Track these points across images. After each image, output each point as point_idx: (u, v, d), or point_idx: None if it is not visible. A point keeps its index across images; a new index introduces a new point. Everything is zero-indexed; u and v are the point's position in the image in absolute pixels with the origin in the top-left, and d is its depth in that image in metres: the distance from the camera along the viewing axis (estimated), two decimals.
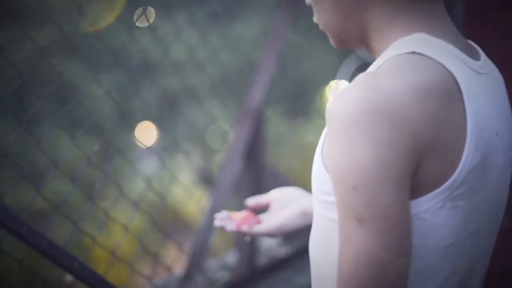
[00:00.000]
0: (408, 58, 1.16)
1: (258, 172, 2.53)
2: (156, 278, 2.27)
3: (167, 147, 3.20)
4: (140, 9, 3.14)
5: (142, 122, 3.24)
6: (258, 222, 1.59)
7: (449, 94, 1.15)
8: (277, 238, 2.76)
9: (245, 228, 1.55)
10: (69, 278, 1.68)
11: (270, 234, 1.57)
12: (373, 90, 1.09)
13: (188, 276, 2.19)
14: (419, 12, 1.24)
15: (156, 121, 3.20)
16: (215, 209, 2.32)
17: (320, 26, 1.36)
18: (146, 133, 2.85)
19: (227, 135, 3.48)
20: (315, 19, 1.38)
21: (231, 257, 2.56)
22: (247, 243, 2.43)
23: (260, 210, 1.62)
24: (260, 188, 2.53)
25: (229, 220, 1.58)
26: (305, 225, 1.55)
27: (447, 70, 1.16)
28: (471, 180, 1.14)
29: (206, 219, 2.35)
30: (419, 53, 1.16)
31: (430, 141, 1.10)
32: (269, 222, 1.56)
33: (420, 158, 1.09)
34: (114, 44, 2.81)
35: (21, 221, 1.53)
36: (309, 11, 1.46)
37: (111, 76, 2.98)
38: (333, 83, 3.83)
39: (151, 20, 3.12)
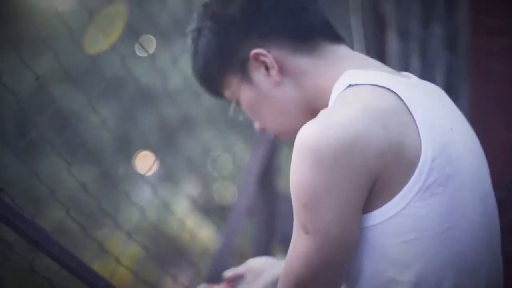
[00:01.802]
0: (347, 92, 1.31)
1: (272, 197, 2.62)
2: None
3: (165, 176, 3.21)
4: (141, 37, 3.18)
5: (140, 151, 3.25)
6: None
7: (393, 104, 1.27)
8: None
9: None
10: None
11: None
12: (328, 126, 1.23)
13: None
14: (333, 61, 1.40)
15: (154, 150, 3.21)
16: (231, 233, 2.42)
17: (273, 133, 1.52)
18: (144, 162, 2.86)
19: (226, 163, 3.52)
20: (258, 127, 1.53)
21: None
22: None
23: (237, 281, 1.71)
24: (274, 212, 2.59)
25: None
26: None
27: (383, 87, 1.30)
28: (439, 168, 1.25)
29: (222, 243, 2.42)
30: (355, 84, 1.31)
31: (386, 158, 1.23)
32: None
33: (376, 175, 1.24)
34: (112, 72, 2.82)
35: (54, 241, 1.56)
36: None
37: (109, 104, 2.99)
38: None
39: (152, 50, 3.15)
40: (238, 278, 1.72)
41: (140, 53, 3.15)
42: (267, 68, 1.42)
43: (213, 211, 3.64)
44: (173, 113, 3.10)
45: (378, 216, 1.26)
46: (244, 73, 1.45)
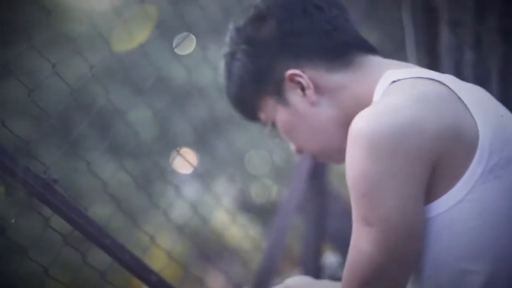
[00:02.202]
0: (392, 87, 1.32)
1: (322, 194, 2.61)
2: None
3: (206, 173, 3.22)
4: (181, 35, 3.19)
5: (182, 147, 3.26)
6: None
7: (442, 90, 1.28)
8: (338, 259, 2.85)
9: None
10: None
11: None
12: (382, 113, 1.23)
13: None
14: (370, 69, 1.40)
15: (196, 147, 3.22)
16: (280, 229, 2.42)
17: (311, 155, 1.52)
18: (186, 159, 2.87)
19: (267, 161, 3.52)
20: (295, 149, 1.52)
21: (295, 275, 2.57)
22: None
23: None
24: (324, 210, 2.58)
25: None
26: None
27: (427, 78, 1.31)
28: (498, 150, 1.24)
29: (272, 238, 2.42)
30: (398, 80, 1.32)
31: (443, 141, 1.22)
32: None
33: (435, 159, 1.21)
34: (156, 68, 2.82)
35: (106, 234, 1.58)
36: None
37: (152, 100, 3.00)
38: None
39: (192, 47, 3.15)
40: None
41: (179, 51, 3.16)
42: (302, 89, 1.43)
43: (251, 209, 3.65)
44: (213, 111, 3.11)
45: (443, 203, 1.24)
46: (280, 95, 1.45)
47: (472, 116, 1.26)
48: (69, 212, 1.52)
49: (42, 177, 1.48)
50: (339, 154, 1.43)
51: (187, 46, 3.18)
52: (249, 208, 3.58)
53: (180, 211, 2.98)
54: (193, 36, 3.26)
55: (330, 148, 1.46)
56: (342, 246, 2.79)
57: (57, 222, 1.56)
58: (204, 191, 3.23)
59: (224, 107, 2.88)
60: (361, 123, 1.23)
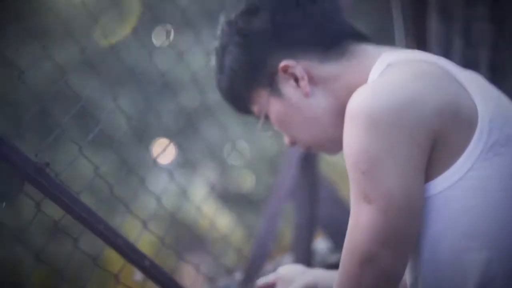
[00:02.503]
0: (389, 69, 1.32)
1: (313, 180, 2.60)
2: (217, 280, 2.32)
3: (184, 164, 3.22)
4: (159, 27, 3.17)
5: (159, 139, 3.24)
6: None
7: (439, 70, 1.29)
8: (328, 245, 2.87)
9: None
10: (138, 277, 1.70)
11: None
12: (381, 89, 1.23)
13: (248, 278, 2.24)
14: (364, 56, 1.40)
15: (174, 138, 3.20)
16: (272, 213, 2.43)
17: (305, 146, 1.50)
18: (164, 150, 2.85)
19: (245, 151, 3.52)
20: (288, 141, 1.51)
21: (287, 261, 2.59)
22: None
23: None
24: (315, 196, 2.59)
25: None
26: None
27: (423, 60, 1.31)
28: (498, 128, 1.25)
29: (264, 223, 2.43)
30: (394, 62, 1.32)
31: (443, 117, 1.21)
32: None
33: (435, 136, 1.21)
34: (132, 61, 2.81)
35: (100, 219, 1.56)
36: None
37: (129, 93, 2.99)
38: None
39: (171, 38, 3.13)
40: (270, 287, 1.71)
41: (157, 41, 3.14)
42: (296, 80, 1.42)
43: (231, 199, 3.66)
44: (192, 101, 3.10)
45: (444, 182, 1.24)
46: (273, 87, 1.45)
47: (470, 95, 1.26)
48: (62, 197, 1.50)
49: (34, 161, 1.46)
50: (334, 145, 1.45)
51: (165, 37, 3.16)
52: (227, 197, 3.58)
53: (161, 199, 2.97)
54: (171, 28, 3.25)
55: (324, 138, 1.46)
56: (332, 232, 2.81)
57: (48, 207, 1.54)
58: (184, 181, 3.22)
59: (204, 98, 2.88)
60: (359, 100, 1.23)
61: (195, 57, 2.76)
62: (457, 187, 1.23)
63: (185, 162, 3.25)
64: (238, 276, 2.41)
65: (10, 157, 1.42)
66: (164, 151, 2.77)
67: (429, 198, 1.25)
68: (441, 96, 1.22)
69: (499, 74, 1.81)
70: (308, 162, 2.55)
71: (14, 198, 1.47)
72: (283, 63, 1.42)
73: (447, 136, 1.22)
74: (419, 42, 1.86)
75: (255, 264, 2.31)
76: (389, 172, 1.20)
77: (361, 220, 1.24)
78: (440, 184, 1.24)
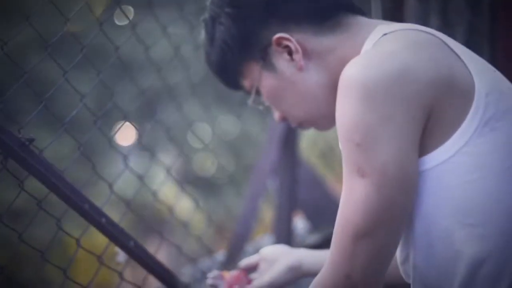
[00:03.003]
0: (383, 38, 1.29)
1: (294, 161, 2.62)
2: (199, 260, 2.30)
3: (145, 147, 3.18)
4: (120, 6, 3.11)
5: (120, 122, 3.20)
6: (249, 281, 1.66)
7: (434, 40, 1.27)
8: (307, 225, 2.87)
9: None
10: (121, 258, 1.67)
11: None
12: (375, 59, 1.20)
13: (230, 259, 2.23)
14: (358, 29, 1.37)
15: (135, 121, 3.16)
16: (254, 194, 2.43)
17: (296, 122, 1.47)
18: (125, 133, 2.82)
19: (207, 134, 3.52)
20: (278, 116, 1.48)
21: (267, 242, 2.61)
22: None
23: (251, 270, 1.69)
24: (296, 177, 2.62)
25: (221, 279, 1.65)
26: (295, 278, 1.66)
27: (421, 31, 1.29)
28: (494, 102, 1.22)
29: (247, 203, 2.44)
30: (390, 32, 1.29)
31: (438, 89, 1.19)
32: (259, 281, 1.64)
33: (430, 108, 1.19)
34: (93, 42, 2.75)
35: (85, 198, 1.54)
36: None
37: (89, 75, 2.93)
38: None
39: (130, 17, 3.09)
40: (252, 267, 1.69)
41: (119, 22, 3.10)
42: (290, 53, 1.39)
43: (192, 182, 3.64)
44: (155, 83, 3.07)
45: (438, 156, 1.22)
46: (266, 60, 1.41)
47: (467, 69, 1.24)
48: (48, 174, 1.47)
49: (17, 136, 1.43)
50: (326, 120, 1.43)
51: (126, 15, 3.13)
52: (191, 180, 3.56)
53: (122, 183, 2.94)
54: (130, 7, 3.21)
55: (317, 114, 1.43)
56: (311, 213, 2.84)
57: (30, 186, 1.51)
58: (146, 164, 3.19)
59: (168, 79, 2.86)
60: (353, 70, 1.20)
61: (158, 38, 2.73)
62: (452, 162, 1.22)
63: (146, 145, 3.21)
64: (220, 257, 2.41)
65: None
66: (123, 133, 2.74)
67: (423, 172, 1.23)
68: (436, 67, 1.20)
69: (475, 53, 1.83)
70: (289, 143, 2.56)
71: None
72: (277, 36, 1.38)
73: (442, 109, 1.20)
74: (396, 20, 1.87)
75: (237, 244, 2.31)
76: (384, 144, 1.17)
77: (354, 195, 1.20)
78: (435, 158, 1.23)
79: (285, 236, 2.54)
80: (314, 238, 2.79)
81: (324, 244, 2.75)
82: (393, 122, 1.17)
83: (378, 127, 1.17)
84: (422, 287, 1.31)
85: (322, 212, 2.83)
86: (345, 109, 1.19)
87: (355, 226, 1.21)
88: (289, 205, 2.57)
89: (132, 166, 2.43)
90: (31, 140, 1.44)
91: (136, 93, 3.15)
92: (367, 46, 1.32)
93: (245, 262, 1.70)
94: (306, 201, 2.73)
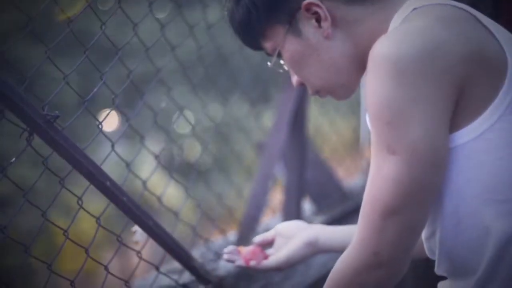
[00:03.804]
0: (413, 13, 1.28)
1: (302, 142, 2.64)
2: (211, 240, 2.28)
3: (129, 133, 3.14)
4: None
5: (105, 108, 3.16)
6: (266, 257, 1.68)
7: (465, 15, 1.25)
8: (312, 207, 2.86)
9: (253, 263, 1.62)
10: (138, 237, 1.65)
11: (278, 268, 1.66)
12: (406, 36, 1.19)
13: (242, 239, 2.23)
14: (387, 4, 1.36)
15: (120, 107, 3.13)
16: (265, 174, 2.44)
17: (314, 89, 1.45)
18: (109, 119, 2.78)
19: (192, 121, 3.49)
20: (296, 81, 1.45)
21: (276, 223, 2.59)
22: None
23: (266, 246, 1.71)
24: (304, 158, 2.62)
25: (238, 254, 1.64)
26: (311, 254, 1.68)
27: (450, 5, 1.27)
28: None
29: (257, 183, 2.44)
30: (420, 7, 1.28)
31: (469, 65, 1.19)
32: (276, 256, 1.66)
33: (462, 85, 1.19)
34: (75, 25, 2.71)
35: (106, 175, 1.55)
36: None
37: (74, 60, 2.88)
38: None
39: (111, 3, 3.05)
40: (267, 243, 1.70)
41: (102, 7, 3.06)
42: (318, 20, 1.37)
43: (177, 168, 3.61)
44: (140, 69, 3.03)
45: (470, 132, 1.22)
46: (292, 24, 1.39)
47: (500, 44, 1.24)
48: (72, 151, 1.45)
49: (42, 113, 1.41)
50: (344, 90, 1.43)
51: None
52: (175, 167, 3.54)
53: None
54: None
55: (336, 83, 1.42)
56: (316, 196, 2.84)
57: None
58: (130, 150, 3.15)
59: (154, 64, 2.82)
60: (383, 47, 1.19)
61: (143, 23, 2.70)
62: (484, 139, 1.22)
63: (130, 131, 3.18)
64: (232, 237, 2.40)
65: (20, 107, 1.36)
66: (108, 118, 2.71)
67: (454, 149, 1.23)
68: (468, 43, 1.20)
69: None
70: (298, 124, 2.56)
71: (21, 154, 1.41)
72: (307, 1, 1.36)
73: (474, 85, 1.20)
74: None
75: (249, 225, 2.32)
76: (414, 123, 1.17)
77: (383, 172, 1.21)
78: (466, 135, 1.23)
79: (294, 218, 2.54)
80: (319, 220, 2.80)
81: (331, 224, 2.83)
82: (424, 100, 1.17)
83: (409, 105, 1.17)
84: (449, 264, 1.31)
85: (327, 195, 2.86)
86: (376, 87, 1.19)
87: (384, 203, 1.21)
88: (298, 185, 2.58)
89: (115, 151, 2.40)
90: (56, 117, 1.42)
91: (118, 79, 3.12)
92: (396, 21, 1.31)
93: (260, 237, 1.70)
94: (311, 183, 2.74)
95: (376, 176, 1.22)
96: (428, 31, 1.20)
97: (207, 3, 2.78)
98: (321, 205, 2.85)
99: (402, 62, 1.17)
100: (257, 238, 1.72)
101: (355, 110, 3.87)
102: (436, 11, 1.27)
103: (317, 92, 1.48)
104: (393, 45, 1.19)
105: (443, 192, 1.25)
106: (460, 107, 1.21)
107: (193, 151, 4.00)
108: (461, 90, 1.20)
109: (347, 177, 3.72)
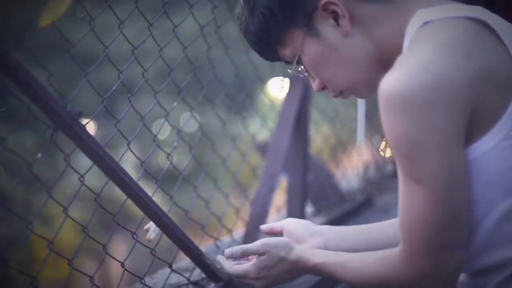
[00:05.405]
0: (423, 30, 1.30)
1: (305, 143, 2.67)
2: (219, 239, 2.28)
3: (105, 141, 3.14)
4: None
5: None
6: None
7: (473, 30, 1.27)
8: (311, 209, 2.88)
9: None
10: (152, 235, 1.65)
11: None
12: (410, 71, 1.21)
13: (247, 239, 2.23)
14: (402, 4, 1.37)
15: (96, 116, 3.12)
16: (270, 173, 2.45)
17: (337, 89, 1.46)
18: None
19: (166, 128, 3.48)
20: (317, 86, 1.46)
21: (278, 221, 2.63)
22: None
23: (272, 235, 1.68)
24: (307, 159, 2.68)
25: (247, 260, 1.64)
26: None
27: (460, 17, 1.29)
28: None
29: (263, 183, 2.45)
30: (430, 21, 1.30)
31: (477, 87, 1.22)
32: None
33: (472, 107, 1.22)
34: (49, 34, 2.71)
35: (125, 171, 1.58)
36: None
37: (50, 68, 2.87)
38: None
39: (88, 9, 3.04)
40: (274, 233, 1.69)
41: (79, 14, 3.03)
42: (336, 19, 1.37)
43: (155, 176, 3.58)
44: (114, 77, 3.02)
45: (486, 143, 1.26)
46: (310, 26, 1.39)
47: (508, 51, 1.27)
48: (95, 147, 1.46)
49: (67, 110, 1.42)
50: (367, 87, 1.44)
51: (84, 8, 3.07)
52: (152, 175, 3.52)
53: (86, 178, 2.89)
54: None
55: (359, 81, 1.42)
56: (314, 197, 2.87)
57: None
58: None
59: (128, 73, 2.83)
60: (391, 84, 1.21)
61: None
62: (500, 147, 1.25)
63: (107, 141, 3.18)
64: (238, 236, 2.43)
65: (47, 103, 1.37)
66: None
67: (472, 161, 1.26)
68: (473, 66, 1.22)
69: None
70: (300, 124, 2.58)
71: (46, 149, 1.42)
72: (324, 0, 1.37)
73: (484, 103, 1.23)
74: None
75: (255, 224, 2.32)
76: (431, 153, 1.20)
77: (413, 200, 1.24)
78: (483, 146, 1.26)
79: (298, 215, 2.61)
80: (318, 221, 2.84)
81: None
82: (437, 129, 1.20)
83: (422, 137, 1.20)
84: (481, 269, 1.35)
85: (325, 196, 2.89)
86: (389, 122, 1.23)
87: (421, 229, 1.25)
88: (301, 186, 2.60)
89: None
90: (80, 114, 1.43)
91: (97, 88, 3.10)
92: (409, 31, 1.33)
93: (267, 226, 1.69)
94: (310, 185, 2.76)
95: (408, 206, 1.26)
96: (433, 62, 1.22)
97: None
98: (319, 207, 2.88)
99: (410, 97, 1.19)
100: (265, 227, 1.70)
101: (352, 111, 3.92)
102: (443, 32, 1.28)
103: (340, 93, 1.48)
104: (400, 81, 1.21)
105: (470, 202, 1.28)
106: (474, 123, 1.25)
107: (177, 157, 3.99)
108: (472, 110, 1.23)
109: (344, 179, 3.75)
